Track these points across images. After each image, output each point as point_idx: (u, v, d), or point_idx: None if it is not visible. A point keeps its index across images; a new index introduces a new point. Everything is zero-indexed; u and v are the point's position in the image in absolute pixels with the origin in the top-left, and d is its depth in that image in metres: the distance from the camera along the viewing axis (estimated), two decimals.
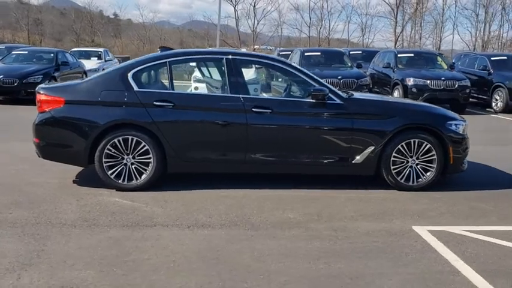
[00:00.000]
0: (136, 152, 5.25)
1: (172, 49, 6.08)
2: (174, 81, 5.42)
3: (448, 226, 4.46)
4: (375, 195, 5.38)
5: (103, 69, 19.56)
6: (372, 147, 5.41)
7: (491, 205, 5.14)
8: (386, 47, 33.40)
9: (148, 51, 39.77)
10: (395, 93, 14.23)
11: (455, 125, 5.61)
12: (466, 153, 5.72)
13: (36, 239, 3.95)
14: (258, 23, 36.74)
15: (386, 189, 5.54)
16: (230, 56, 5.50)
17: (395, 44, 35.26)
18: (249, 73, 5.59)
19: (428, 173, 5.54)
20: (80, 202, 4.90)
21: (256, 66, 5.99)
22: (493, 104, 14.54)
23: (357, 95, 5.96)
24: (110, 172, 5.25)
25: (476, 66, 15.84)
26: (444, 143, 5.50)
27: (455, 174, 5.87)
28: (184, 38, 53.99)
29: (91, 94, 5.30)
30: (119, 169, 5.27)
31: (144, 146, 5.22)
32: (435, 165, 5.52)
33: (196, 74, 5.90)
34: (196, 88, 6.40)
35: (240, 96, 5.34)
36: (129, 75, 5.34)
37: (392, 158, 5.48)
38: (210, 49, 6.11)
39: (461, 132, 5.62)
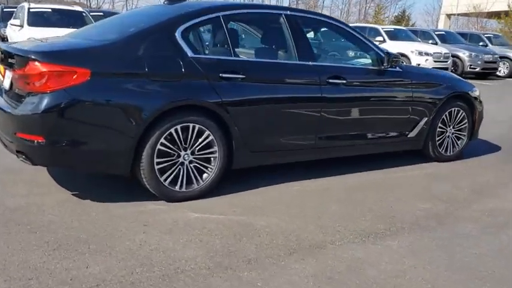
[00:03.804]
0: (197, 146, 3.71)
1: None
2: (234, 43, 3.96)
3: None
4: (431, 171, 4.99)
5: None
6: (426, 119, 4.99)
7: None
8: None
9: None
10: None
11: (476, 91, 5.58)
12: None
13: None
14: None
15: (419, 163, 5.19)
16: (289, 12, 4.30)
17: None
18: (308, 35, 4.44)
19: (459, 141, 5.41)
20: (156, 228, 3.22)
21: (315, 26, 4.84)
22: None
23: (403, 64, 5.34)
24: (163, 177, 3.60)
25: None
26: (473, 110, 5.43)
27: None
28: None
29: (131, 62, 3.48)
30: (175, 171, 3.66)
31: (208, 135, 3.72)
32: (466, 133, 5.43)
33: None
34: None
35: (312, 63, 4.24)
36: (177, 35, 3.68)
37: (438, 129, 5.17)
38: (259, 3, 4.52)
39: (481, 99, 5.62)
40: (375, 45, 4.78)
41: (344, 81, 4.34)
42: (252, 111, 3.91)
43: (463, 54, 17.03)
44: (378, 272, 2.79)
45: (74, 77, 3.25)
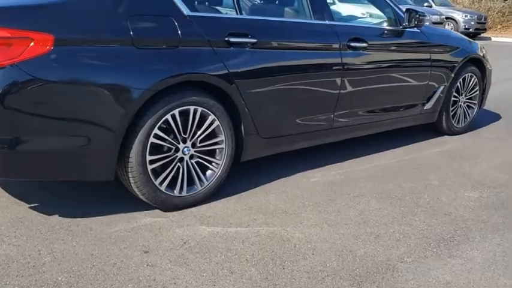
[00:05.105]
0: (198, 136, 2.81)
1: None
2: None
3: None
4: (449, 148, 4.36)
5: None
6: (443, 86, 4.32)
7: None
8: None
9: None
10: None
11: (482, 49, 4.94)
12: None
13: None
14: None
15: (428, 138, 4.57)
16: None
17: None
18: None
19: (470, 111, 4.82)
20: (163, 256, 2.32)
21: None
22: None
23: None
24: (158, 180, 2.68)
25: None
26: (484, 75, 4.84)
27: None
28: None
29: (110, 24, 2.47)
30: (172, 171, 2.75)
31: (213, 121, 2.82)
32: (477, 101, 4.84)
33: None
34: None
35: (329, 23, 3.40)
36: None
37: (452, 98, 4.54)
38: None
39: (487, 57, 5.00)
40: (391, 1, 3.99)
41: (365, 45, 3.54)
42: (265, 86, 3.03)
43: None
44: None
45: (30, 45, 2.22)
